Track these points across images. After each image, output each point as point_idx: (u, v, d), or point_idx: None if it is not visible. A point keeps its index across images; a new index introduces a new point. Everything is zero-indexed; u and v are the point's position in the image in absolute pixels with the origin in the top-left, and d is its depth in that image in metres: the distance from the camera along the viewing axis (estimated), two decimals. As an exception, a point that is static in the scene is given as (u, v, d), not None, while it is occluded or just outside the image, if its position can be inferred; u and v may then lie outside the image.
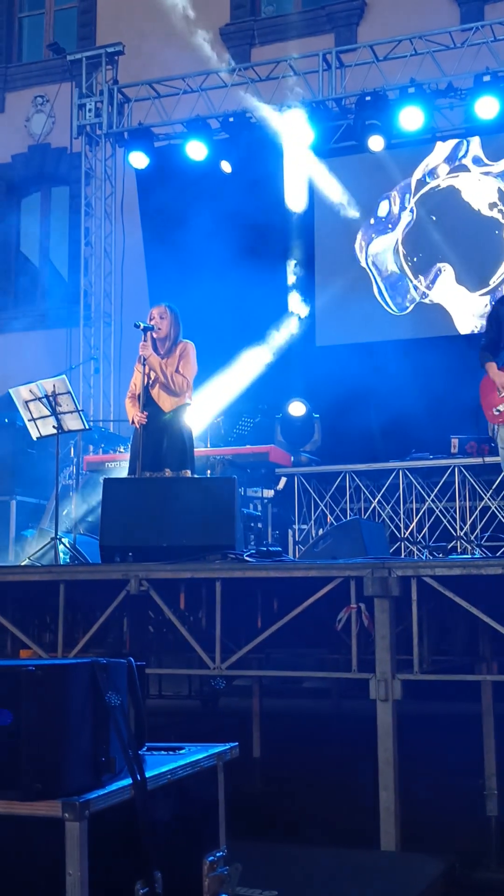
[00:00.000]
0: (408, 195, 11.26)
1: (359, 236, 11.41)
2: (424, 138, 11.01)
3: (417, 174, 11.21)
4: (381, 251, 11.30)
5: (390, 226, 11.30)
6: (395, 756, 4.30)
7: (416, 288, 11.12)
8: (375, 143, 10.75)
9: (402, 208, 11.28)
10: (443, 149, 11.09)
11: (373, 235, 11.36)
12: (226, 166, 11.36)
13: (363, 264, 11.38)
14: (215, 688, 5.30)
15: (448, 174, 11.05)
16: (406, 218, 11.25)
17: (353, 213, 11.31)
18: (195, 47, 11.50)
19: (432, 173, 11.11)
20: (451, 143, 11.06)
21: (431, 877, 3.88)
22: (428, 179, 11.14)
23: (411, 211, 11.23)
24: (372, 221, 11.37)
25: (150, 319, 7.17)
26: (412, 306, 11.14)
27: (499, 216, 10.84)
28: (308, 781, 5.28)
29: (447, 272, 10.96)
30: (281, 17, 13.12)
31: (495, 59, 10.40)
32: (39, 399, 7.31)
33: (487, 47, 10.46)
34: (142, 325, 7.08)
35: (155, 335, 7.09)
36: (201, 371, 7.40)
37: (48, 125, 14.33)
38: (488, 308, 9.81)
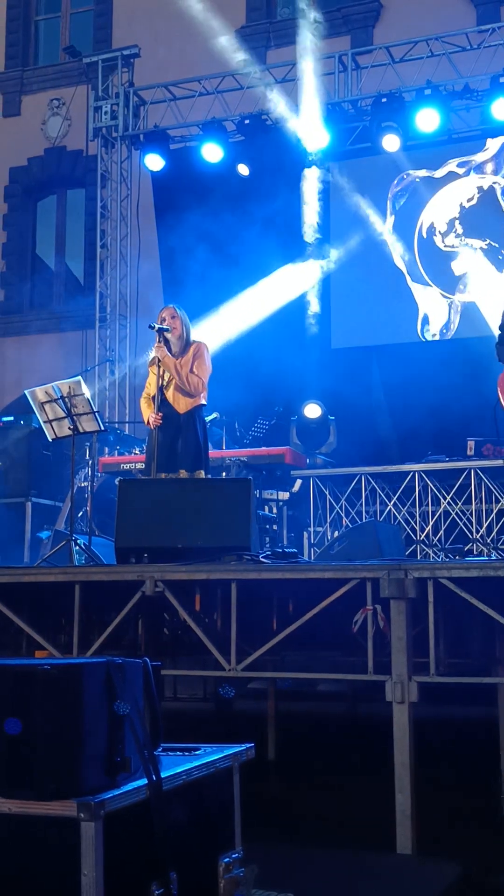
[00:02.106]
0: (422, 192, 11.20)
1: (386, 236, 11.34)
2: (441, 140, 10.96)
3: (456, 169, 11.11)
4: (412, 253, 11.23)
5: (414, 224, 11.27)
6: (412, 759, 4.27)
7: (447, 299, 11.06)
8: (390, 143, 10.71)
9: (419, 206, 11.24)
10: (493, 145, 10.98)
11: (397, 232, 11.31)
12: (243, 169, 11.36)
13: (397, 264, 11.30)
14: (225, 697, 5.28)
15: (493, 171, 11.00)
16: (435, 215, 11.19)
17: (370, 214, 11.27)
18: (211, 49, 11.50)
19: (479, 168, 11.01)
20: (500, 139, 10.96)
21: (447, 880, 3.86)
22: (473, 173, 11.03)
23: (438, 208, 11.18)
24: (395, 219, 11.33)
25: (161, 321, 7.18)
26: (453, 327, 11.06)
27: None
28: (324, 784, 5.26)
29: (477, 273, 10.89)
30: (297, 19, 13.10)
31: (512, 61, 10.38)
32: (55, 401, 7.31)
33: (504, 48, 10.44)
34: (156, 327, 7.09)
35: (168, 336, 7.10)
36: (215, 370, 7.41)
37: (64, 128, 14.38)
38: None
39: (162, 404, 7.00)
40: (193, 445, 7.03)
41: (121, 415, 11.79)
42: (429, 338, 11.06)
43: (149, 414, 7.08)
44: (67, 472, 7.81)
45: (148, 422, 7.08)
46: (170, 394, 7.05)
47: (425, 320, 11.15)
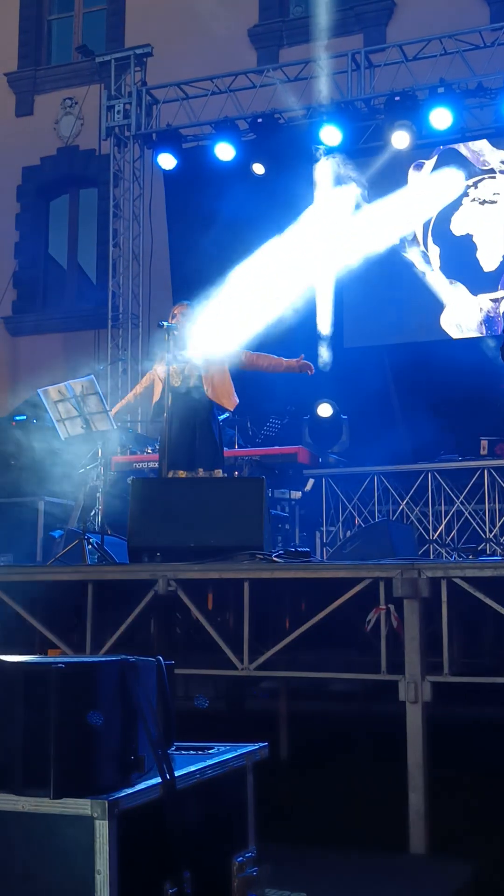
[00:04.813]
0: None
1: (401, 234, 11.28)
2: (453, 138, 10.93)
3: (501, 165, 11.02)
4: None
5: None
6: (425, 759, 4.27)
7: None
8: (400, 139, 10.65)
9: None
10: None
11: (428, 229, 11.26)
12: (258, 168, 11.33)
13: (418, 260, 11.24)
14: (253, 695, 5.34)
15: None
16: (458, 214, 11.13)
17: (381, 212, 11.23)
18: (223, 48, 11.49)
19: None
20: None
21: (460, 881, 3.86)
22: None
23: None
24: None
25: (172, 318, 7.16)
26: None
27: None
28: (337, 783, 5.25)
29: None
30: (309, 18, 13.08)
31: (526, 59, 10.34)
32: (68, 399, 7.32)
33: (518, 46, 10.40)
34: (166, 325, 7.07)
35: (176, 333, 7.07)
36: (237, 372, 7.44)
37: (77, 127, 14.39)
38: None
39: (181, 399, 6.97)
40: (211, 444, 7.03)
41: (133, 414, 11.77)
42: (457, 334, 11.00)
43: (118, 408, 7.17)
44: (80, 471, 7.80)
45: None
46: (195, 385, 7.02)
47: (451, 315, 11.09)
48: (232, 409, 7.21)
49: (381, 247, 11.19)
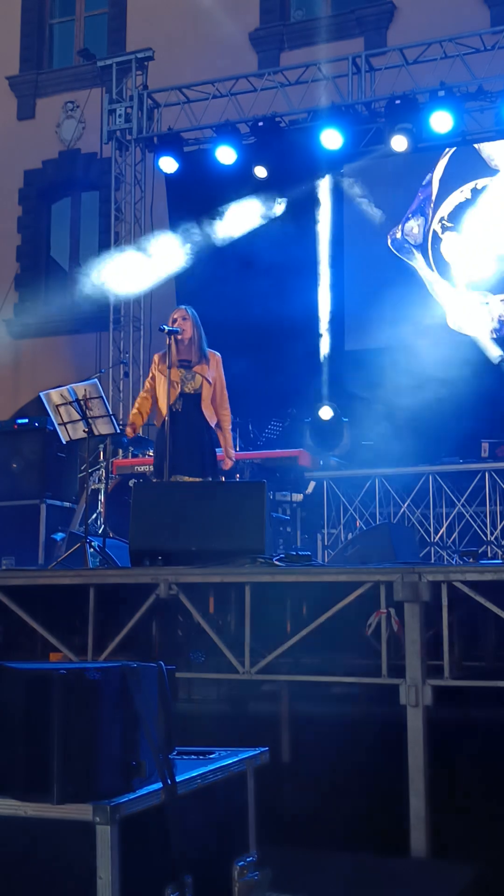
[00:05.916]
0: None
1: (405, 237, 11.28)
2: (455, 141, 10.94)
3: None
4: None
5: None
6: (426, 762, 4.27)
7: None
8: (399, 143, 10.66)
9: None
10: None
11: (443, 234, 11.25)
12: (261, 171, 11.34)
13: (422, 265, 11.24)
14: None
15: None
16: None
17: (383, 216, 11.25)
18: (224, 52, 11.51)
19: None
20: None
21: (462, 884, 3.86)
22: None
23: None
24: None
25: (172, 322, 7.17)
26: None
27: None
28: (338, 787, 5.25)
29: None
30: (310, 22, 13.12)
31: (526, 62, 10.35)
32: (70, 403, 7.34)
33: (518, 50, 10.41)
34: (167, 329, 7.08)
35: (179, 338, 7.08)
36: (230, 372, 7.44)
37: (78, 131, 14.41)
38: None
39: (185, 402, 6.98)
40: (212, 453, 7.04)
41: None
42: (458, 336, 10.98)
43: (132, 423, 7.17)
44: (82, 475, 7.82)
45: (130, 427, 7.17)
46: (203, 400, 7.03)
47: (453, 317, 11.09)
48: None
49: (381, 249, 11.17)
